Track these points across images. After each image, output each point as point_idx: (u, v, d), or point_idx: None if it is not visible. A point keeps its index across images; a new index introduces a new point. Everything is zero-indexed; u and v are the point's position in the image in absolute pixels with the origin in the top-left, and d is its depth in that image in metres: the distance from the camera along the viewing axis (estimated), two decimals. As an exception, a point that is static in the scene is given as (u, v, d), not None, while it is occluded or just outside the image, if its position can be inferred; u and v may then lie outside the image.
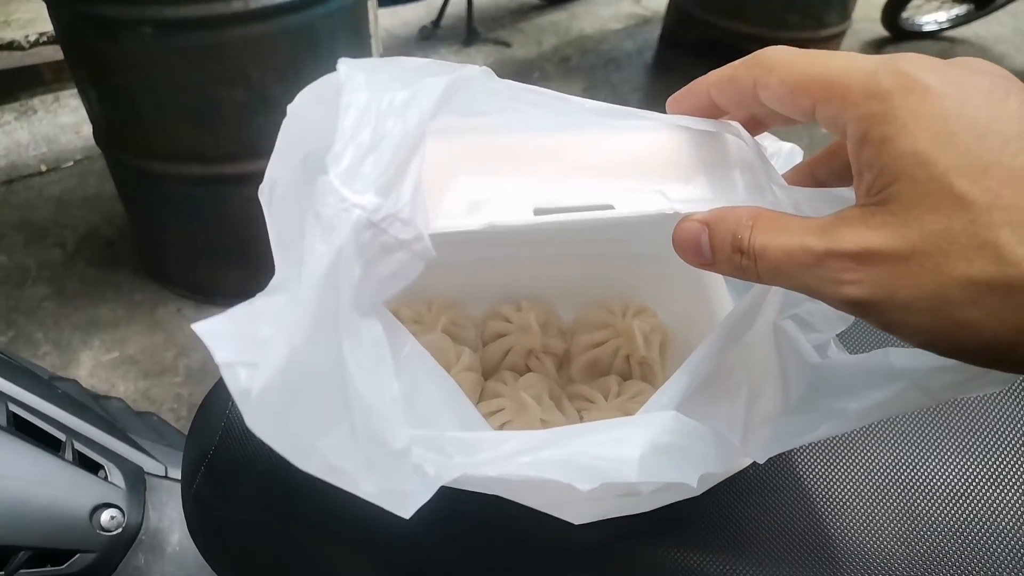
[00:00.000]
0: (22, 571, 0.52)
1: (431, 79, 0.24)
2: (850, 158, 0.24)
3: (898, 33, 2.60)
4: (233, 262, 1.36)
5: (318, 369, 0.21)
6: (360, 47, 1.28)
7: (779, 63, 0.26)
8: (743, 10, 2.17)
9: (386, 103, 0.23)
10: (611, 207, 0.29)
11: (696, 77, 0.32)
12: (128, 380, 1.25)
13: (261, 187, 0.27)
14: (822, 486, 0.36)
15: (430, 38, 2.54)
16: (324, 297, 0.21)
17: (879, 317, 0.23)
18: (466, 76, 0.26)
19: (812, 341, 0.31)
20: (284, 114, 0.28)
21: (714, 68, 0.31)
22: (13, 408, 0.59)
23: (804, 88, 0.25)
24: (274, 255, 0.27)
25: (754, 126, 0.32)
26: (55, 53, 2.00)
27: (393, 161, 0.22)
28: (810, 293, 0.24)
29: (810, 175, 0.32)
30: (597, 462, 0.26)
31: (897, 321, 0.22)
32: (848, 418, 0.28)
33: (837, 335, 0.31)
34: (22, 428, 0.58)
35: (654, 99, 2.09)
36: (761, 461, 0.30)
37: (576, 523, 0.28)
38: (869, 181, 0.23)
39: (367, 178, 0.22)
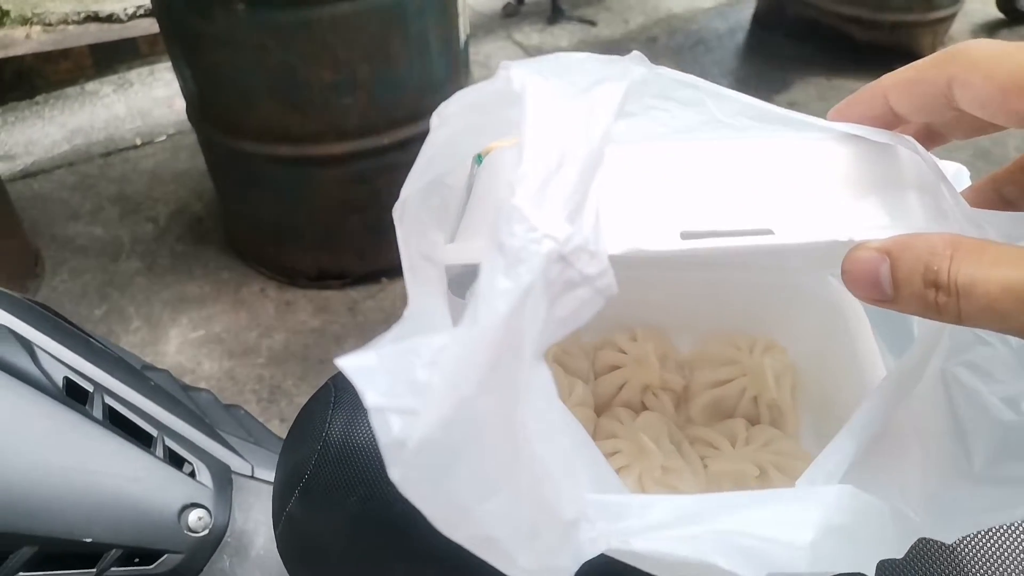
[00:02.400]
0: (112, 569, 0.52)
1: (608, 86, 0.21)
2: None
3: (1015, 15, 2.40)
4: (316, 245, 1.37)
5: (488, 423, 0.19)
6: (448, 26, 1.25)
7: (983, 59, 0.23)
8: (842, -11, 2.04)
9: (567, 116, 0.20)
10: (770, 232, 0.25)
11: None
12: (213, 359, 1.27)
13: (396, 204, 0.25)
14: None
15: (514, 15, 2.49)
16: (504, 341, 0.18)
17: None
18: (638, 79, 0.23)
19: (995, 393, 0.27)
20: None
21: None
22: (109, 401, 0.59)
23: (1020, 87, 0.21)
24: (406, 281, 0.24)
25: (928, 139, 0.28)
26: (151, 26, 2.05)
27: (579, 183, 0.19)
28: None
29: (995, 194, 0.28)
30: (763, 545, 0.22)
31: None
32: None
33: None
34: (116, 422, 0.58)
35: (745, 83, 2.00)
36: (949, 541, 0.26)
37: None
38: None
39: (555, 203, 0.19)
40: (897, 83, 0.25)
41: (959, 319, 0.22)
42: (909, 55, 0.26)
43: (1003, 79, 0.22)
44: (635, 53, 0.24)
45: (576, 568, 0.21)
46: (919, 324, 0.32)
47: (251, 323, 1.34)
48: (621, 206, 0.25)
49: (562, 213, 0.19)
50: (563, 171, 0.19)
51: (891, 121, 0.27)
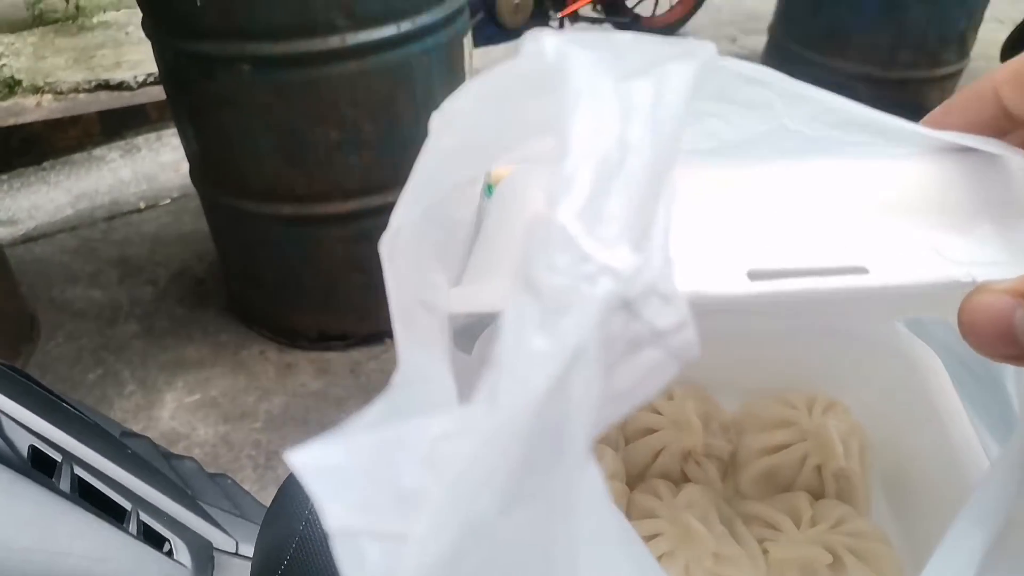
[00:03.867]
0: (72, 666, 0.45)
1: (675, 64, 0.15)
2: None
3: None
4: (317, 304, 1.32)
5: (516, 557, 0.13)
6: (455, 82, 1.24)
7: None
8: (848, 48, 2.04)
9: (625, 99, 0.14)
10: (863, 270, 0.20)
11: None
12: (208, 424, 1.21)
13: (384, 236, 0.18)
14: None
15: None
16: (541, 431, 0.12)
17: None
18: (709, 59, 0.17)
19: None
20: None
21: None
22: (79, 472, 0.53)
23: None
24: (396, 333, 0.18)
25: None
26: (161, 93, 2.06)
27: (646, 194, 0.13)
28: None
29: None
30: None
31: None
32: None
33: None
34: (86, 494, 0.52)
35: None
36: None
37: None
38: None
39: (615, 222, 0.13)
40: (1015, 75, 0.21)
41: None
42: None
43: None
44: (694, 39, 0.19)
45: None
46: (1020, 378, 0.27)
47: (249, 386, 1.28)
48: (679, 238, 0.20)
49: (625, 235, 0.13)
50: (625, 175, 0.13)
51: (1003, 126, 0.22)
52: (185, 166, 1.36)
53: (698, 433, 0.32)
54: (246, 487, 0.71)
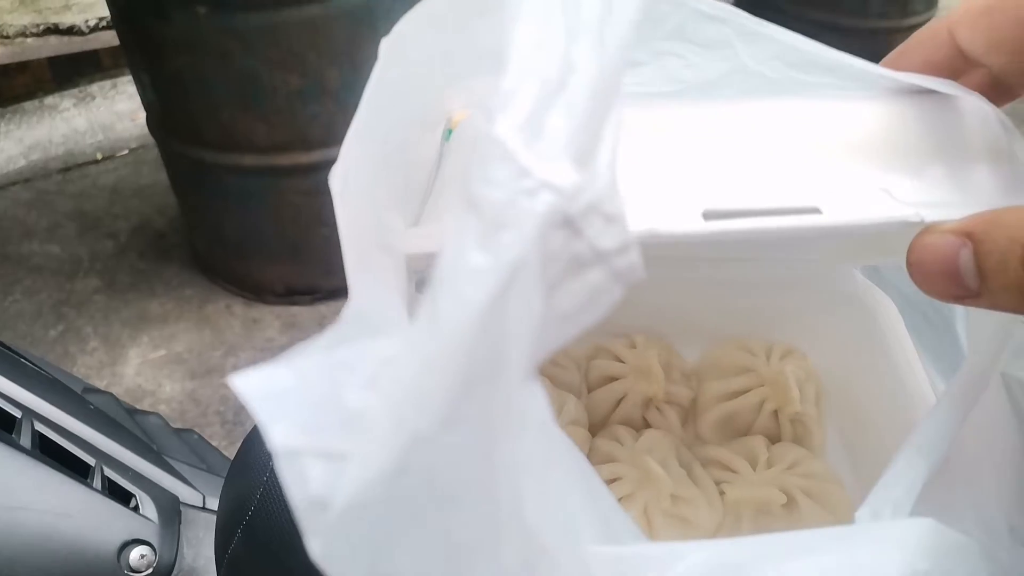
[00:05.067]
0: (39, 619, 0.46)
1: None
2: None
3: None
4: (283, 258, 1.31)
5: (456, 473, 0.13)
6: (421, 32, 1.21)
7: None
8: (818, -5, 2.04)
9: (571, 13, 0.14)
10: (816, 210, 0.20)
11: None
12: (175, 380, 1.20)
13: (334, 169, 0.18)
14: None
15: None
16: (481, 348, 0.12)
17: None
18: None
19: None
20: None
21: None
22: (40, 428, 0.52)
23: None
24: (348, 271, 0.18)
25: (996, 94, 0.24)
26: (114, 38, 1.97)
27: (591, 110, 0.13)
28: None
29: None
30: None
31: None
32: None
33: None
34: (49, 450, 0.51)
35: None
36: None
37: None
38: None
39: (558, 136, 0.13)
40: (969, 15, 0.21)
41: None
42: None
43: None
44: None
45: None
46: (970, 321, 0.27)
47: (215, 341, 1.27)
48: (628, 180, 0.20)
49: (568, 152, 0.13)
50: (569, 91, 0.13)
51: (957, 66, 0.22)
52: (142, 115, 1.32)
53: (659, 381, 0.32)
54: (214, 443, 0.71)
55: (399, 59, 0.17)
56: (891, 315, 0.33)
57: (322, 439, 0.12)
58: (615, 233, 0.14)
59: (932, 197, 0.21)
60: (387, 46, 0.17)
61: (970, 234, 0.19)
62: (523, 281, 0.12)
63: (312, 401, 0.13)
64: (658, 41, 0.22)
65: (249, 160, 1.18)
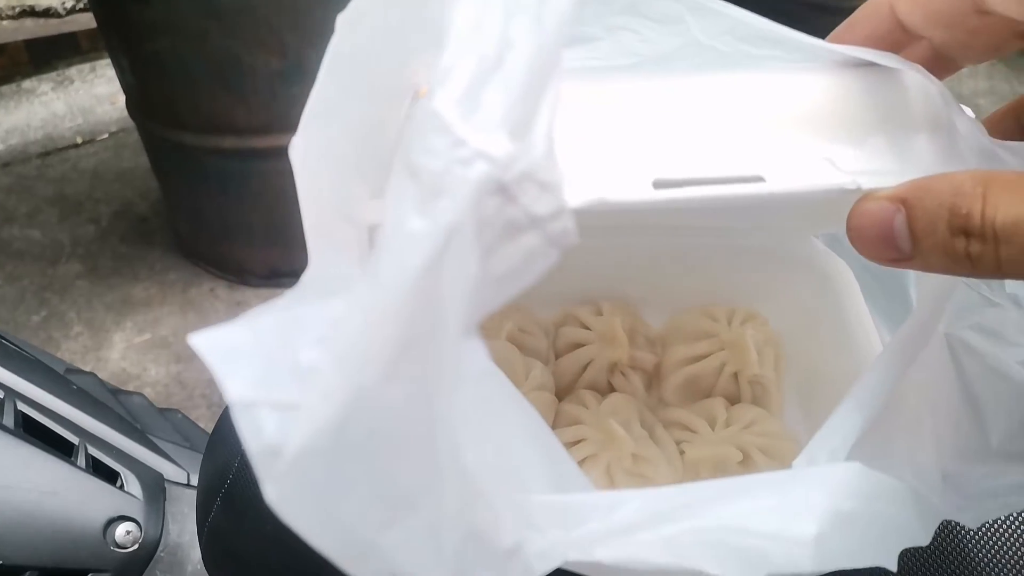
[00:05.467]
0: (27, 594, 0.46)
1: None
2: None
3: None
4: (267, 241, 1.31)
5: (398, 423, 0.14)
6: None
7: None
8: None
9: None
10: (760, 179, 0.21)
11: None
12: (160, 364, 1.21)
13: (294, 140, 0.19)
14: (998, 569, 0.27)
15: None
16: (419, 308, 0.13)
17: None
18: None
19: (1010, 357, 0.24)
20: None
21: None
22: (23, 407, 0.53)
23: None
24: (308, 238, 0.19)
25: (939, 67, 0.25)
26: (91, 20, 1.96)
27: (528, 85, 0.14)
28: None
29: (1014, 124, 0.25)
30: (759, 543, 0.18)
31: None
32: None
33: None
34: (32, 430, 0.52)
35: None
36: (973, 526, 0.23)
37: None
38: None
39: (494, 109, 0.14)
40: None
41: (998, 269, 0.18)
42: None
43: None
44: None
45: None
46: (919, 284, 0.28)
47: (200, 325, 1.27)
48: (581, 151, 0.21)
49: (503, 124, 0.14)
50: (505, 68, 0.14)
51: (898, 40, 0.23)
52: (122, 98, 1.31)
53: (624, 346, 0.33)
54: (201, 425, 0.71)
55: (357, 33, 0.18)
56: (847, 280, 0.34)
57: (275, 392, 0.13)
58: (549, 200, 0.14)
59: (873, 166, 0.22)
60: (344, 21, 0.17)
61: (904, 200, 0.19)
62: (459, 244, 0.13)
63: (267, 357, 0.13)
64: (612, 16, 0.23)
65: (230, 142, 1.18)
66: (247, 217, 1.28)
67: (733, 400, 0.34)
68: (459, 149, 0.13)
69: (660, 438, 0.32)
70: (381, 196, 0.25)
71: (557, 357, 0.35)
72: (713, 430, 0.32)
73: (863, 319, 0.33)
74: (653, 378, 0.35)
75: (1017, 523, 0.28)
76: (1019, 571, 0.27)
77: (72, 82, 2.00)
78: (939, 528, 0.22)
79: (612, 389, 0.34)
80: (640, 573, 0.18)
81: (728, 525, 0.18)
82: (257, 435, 0.13)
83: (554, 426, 0.33)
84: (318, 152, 0.19)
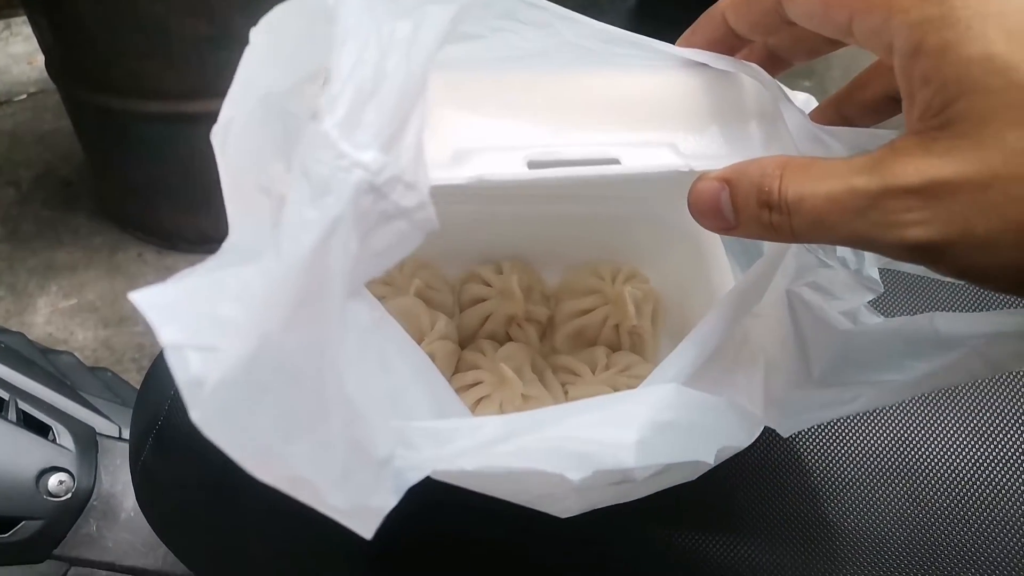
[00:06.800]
0: (-39, 541, 0.48)
1: (435, 7, 0.20)
2: (898, 77, 0.21)
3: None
4: (196, 207, 1.30)
5: (295, 362, 0.18)
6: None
7: None
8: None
9: (387, 35, 0.19)
10: (616, 161, 0.26)
11: (679, 24, 0.28)
12: (87, 328, 1.20)
13: (215, 127, 0.22)
14: (822, 467, 0.33)
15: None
16: (311, 275, 0.17)
17: (954, 261, 0.19)
18: (473, 1, 0.22)
19: (835, 308, 0.29)
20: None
21: (697, 17, 0.28)
22: (-50, 365, 0.54)
23: None
24: (228, 212, 0.23)
25: (773, 64, 0.29)
26: (5, -23, 1.88)
27: (397, 109, 0.19)
28: (862, 244, 0.21)
29: (836, 114, 0.29)
30: (589, 447, 0.23)
31: (977, 263, 0.19)
32: (891, 390, 0.26)
33: (868, 302, 0.29)
34: (-40, 386, 0.54)
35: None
36: (785, 435, 0.28)
37: (563, 517, 0.25)
38: (926, 100, 0.20)
39: (369, 129, 0.18)
40: (733, 2, 0.26)
41: (793, 235, 0.22)
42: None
43: None
44: None
45: (395, 502, 0.20)
46: (767, 247, 0.33)
47: (128, 289, 1.25)
48: (467, 134, 0.25)
49: (376, 141, 0.18)
50: (379, 96, 0.18)
51: (733, 43, 0.27)
52: (40, 58, 1.28)
53: (520, 301, 0.38)
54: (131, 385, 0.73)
55: (264, 43, 0.22)
56: (715, 243, 0.39)
57: (199, 337, 0.17)
58: (414, 196, 0.19)
59: (708, 151, 0.27)
60: (256, 34, 0.21)
61: (727, 180, 0.24)
62: (341, 229, 0.18)
63: (193, 310, 0.17)
64: (493, 19, 0.26)
65: (157, 107, 1.17)
66: (176, 182, 1.27)
67: (615, 348, 0.39)
68: (341, 160, 0.18)
69: (548, 381, 0.36)
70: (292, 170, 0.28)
71: (461, 311, 0.39)
72: (594, 374, 0.36)
73: (726, 277, 0.38)
74: (547, 329, 0.40)
75: (821, 428, 0.34)
76: (820, 460, 0.33)
77: (-14, 39, 1.92)
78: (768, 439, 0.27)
79: (510, 339, 0.39)
80: (495, 475, 0.22)
81: (565, 435, 0.22)
82: (185, 370, 0.16)
83: (455, 371, 0.37)
84: (237, 134, 0.23)
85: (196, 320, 0.17)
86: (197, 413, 0.16)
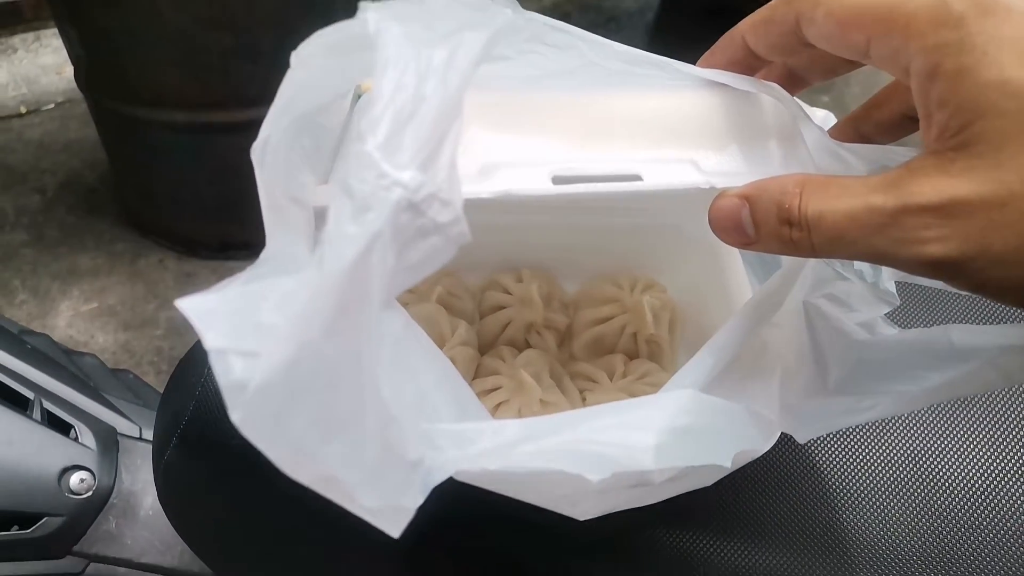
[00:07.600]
0: (-14, 535, 0.49)
1: (470, 34, 0.21)
2: (915, 99, 0.21)
3: None
4: (217, 214, 1.32)
5: (333, 368, 0.19)
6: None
7: None
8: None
9: (424, 61, 0.20)
10: (638, 178, 0.26)
11: (697, 41, 0.29)
12: (107, 332, 1.22)
13: (255, 145, 0.24)
14: (838, 476, 0.34)
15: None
16: (351, 287, 0.18)
17: (970, 277, 0.20)
18: (505, 27, 0.23)
19: (852, 319, 0.29)
20: (272, 62, 0.24)
21: (716, 34, 0.28)
22: (-23, 364, 0.55)
23: (857, 20, 0.22)
24: (266, 223, 0.24)
25: (792, 83, 0.30)
26: (36, -11, 1.92)
27: (434, 130, 0.20)
28: (880, 259, 0.22)
29: (854, 132, 0.30)
30: (608, 449, 0.23)
31: (993, 279, 0.20)
32: (907, 400, 0.27)
33: (885, 315, 0.29)
34: (-12, 385, 0.55)
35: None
36: (802, 441, 0.28)
37: (581, 519, 0.26)
38: (943, 122, 0.20)
39: (408, 151, 0.19)
40: (753, 24, 0.26)
41: (813, 251, 0.23)
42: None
43: (842, 14, 0.23)
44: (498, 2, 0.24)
45: (420, 501, 0.21)
46: (785, 260, 0.34)
47: (148, 295, 1.29)
48: (494, 150, 0.26)
49: (415, 161, 0.19)
50: (417, 118, 0.19)
51: (753, 64, 0.28)
52: (69, 69, 1.31)
53: (539, 309, 0.38)
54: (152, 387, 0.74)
55: (304, 66, 0.23)
56: (732, 254, 0.39)
57: (241, 342, 0.17)
58: (449, 212, 0.20)
59: (728, 168, 0.27)
60: (295, 58, 0.22)
61: (748, 197, 0.24)
62: (381, 244, 0.19)
63: (236, 317, 0.18)
64: (521, 42, 0.27)
65: (182, 117, 1.19)
66: (199, 190, 1.29)
67: (632, 356, 0.39)
68: (382, 179, 0.19)
69: (566, 387, 0.37)
70: (328, 181, 0.29)
71: (482, 317, 0.40)
72: (612, 381, 0.37)
73: (743, 288, 0.38)
74: (565, 337, 0.41)
75: (837, 438, 0.34)
76: (836, 469, 0.33)
77: (15, 51, 1.96)
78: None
79: (528, 346, 0.39)
80: (516, 476, 0.23)
81: (585, 438, 0.23)
82: (227, 374, 0.17)
83: (475, 377, 0.38)
84: (275, 149, 0.24)
85: (239, 326, 0.18)
86: (238, 414, 0.17)
